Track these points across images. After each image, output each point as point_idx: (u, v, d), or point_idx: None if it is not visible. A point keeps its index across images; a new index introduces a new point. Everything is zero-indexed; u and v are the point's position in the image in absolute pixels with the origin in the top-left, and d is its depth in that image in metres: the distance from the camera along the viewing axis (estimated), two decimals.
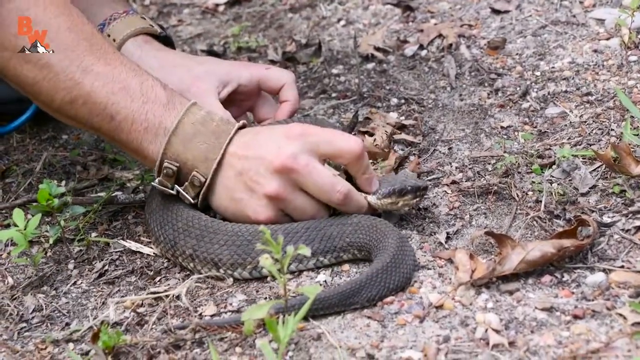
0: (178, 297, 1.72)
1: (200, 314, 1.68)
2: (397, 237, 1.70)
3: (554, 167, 1.95)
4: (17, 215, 1.81)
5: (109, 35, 2.06)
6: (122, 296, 1.77)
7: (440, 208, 1.90)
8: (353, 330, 1.57)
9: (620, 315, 1.52)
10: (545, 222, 1.80)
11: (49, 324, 1.72)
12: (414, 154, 2.12)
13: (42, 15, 1.74)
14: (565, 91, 2.25)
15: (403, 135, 2.19)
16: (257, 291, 1.73)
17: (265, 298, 1.70)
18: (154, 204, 1.88)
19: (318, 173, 1.73)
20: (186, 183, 1.78)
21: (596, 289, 1.60)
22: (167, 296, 1.72)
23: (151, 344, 1.59)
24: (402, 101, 2.36)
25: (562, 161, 1.94)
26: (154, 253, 1.88)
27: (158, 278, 1.81)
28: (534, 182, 1.92)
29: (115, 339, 1.56)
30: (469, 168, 2.03)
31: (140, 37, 2.08)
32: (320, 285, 1.70)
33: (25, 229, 1.78)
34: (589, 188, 1.87)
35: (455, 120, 2.24)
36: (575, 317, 1.54)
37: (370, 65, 2.56)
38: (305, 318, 1.58)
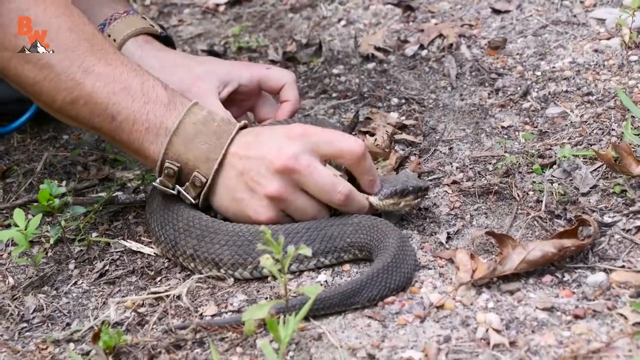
0: (179, 297, 1.72)
1: (201, 314, 1.68)
2: (398, 237, 1.70)
3: (554, 167, 1.95)
4: (18, 215, 1.81)
5: (109, 35, 2.06)
6: (123, 296, 1.77)
7: (441, 208, 1.90)
8: (354, 330, 1.57)
9: (621, 315, 1.52)
10: (546, 222, 1.80)
11: (49, 324, 1.72)
12: (415, 154, 2.12)
13: (43, 16, 1.74)
14: (566, 91, 2.25)
15: (404, 135, 2.19)
16: (258, 291, 1.73)
17: (266, 298, 1.70)
18: (154, 204, 1.88)
19: (319, 173, 1.73)
20: (187, 183, 1.78)
21: (597, 289, 1.60)
22: (167, 296, 1.72)
23: (152, 344, 1.59)
24: (403, 101, 2.36)
25: (563, 161, 1.94)
26: (154, 253, 1.88)
27: (159, 278, 1.81)
28: (534, 182, 1.92)
29: (116, 339, 1.56)
30: (470, 168, 2.03)
31: (140, 37, 2.08)
32: (321, 285, 1.70)
33: (25, 229, 1.78)
34: (590, 188, 1.87)
35: (455, 120, 2.24)
36: (576, 317, 1.54)
37: (370, 65, 2.56)
38: (306, 318, 1.58)
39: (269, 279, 1.75)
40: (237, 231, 1.75)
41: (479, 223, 1.85)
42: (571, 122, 2.12)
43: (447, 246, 1.78)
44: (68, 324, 1.71)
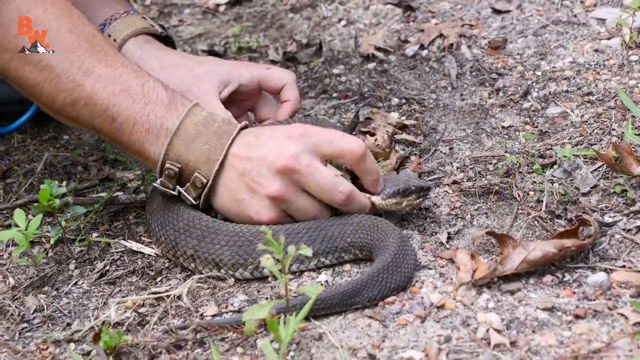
0: (179, 297, 1.72)
1: (202, 314, 1.68)
2: (398, 237, 1.70)
3: (555, 167, 1.95)
4: (18, 215, 1.81)
5: (109, 36, 2.06)
6: (124, 296, 1.77)
7: (442, 208, 1.90)
8: (354, 330, 1.57)
9: (622, 315, 1.52)
10: (547, 222, 1.80)
11: (50, 325, 1.72)
12: (415, 154, 2.12)
13: (43, 17, 1.74)
14: (566, 91, 2.25)
15: (404, 135, 2.19)
16: (259, 291, 1.73)
17: (267, 298, 1.70)
18: (154, 204, 1.88)
19: (320, 173, 1.73)
20: (188, 184, 1.78)
21: (597, 289, 1.60)
22: (168, 296, 1.72)
23: (152, 344, 1.59)
24: (403, 101, 2.36)
25: (563, 161, 1.94)
26: (155, 253, 1.88)
27: (159, 278, 1.81)
28: (535, 182, 1.92)
29: (117, 339, 1.56)
30: (470, 168, 2.03)
31: (141, 37, 2.08)
32: (322, 285, 1.70)
33: (26, 230, 1.78)
34: (590, 188, 1.87)
35: (456, 120, 2.24)
36: (577, 317, 1.54)
37: (371, 65, 2.56)
38: (307, 318, 1.58)
39: (270, 279, 1.75)
40: (238, 231, 1.75)
41: (479, 223, 1.85)
42: (572, 122, 2.12)
43: (447, 246, 1.78)
44: (69, 324, 1.72)
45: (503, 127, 2.17)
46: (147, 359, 1.56)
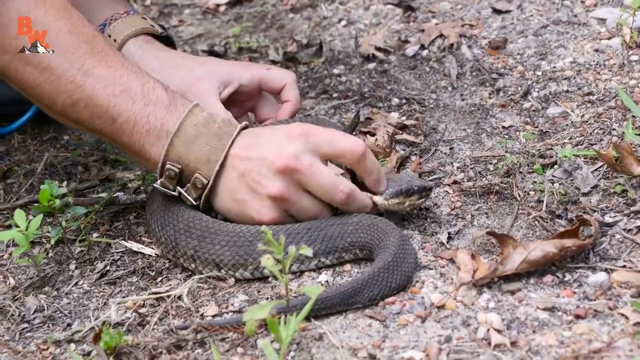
0: (180, 298, 1.72)
1: (202, 315, 1.68)
2: (398, 236, 1.70)
3: (555, 167, 1.95)
4: (19, 215, 1.81)
5: (109, 36, 2.06)
6: (124, 296, 1.77)
7: (442, 208, 1.90)
8: (355, 330, 1.57)
9: (622, 315, 1.52)
10: (547, 222, 1.79)
11: (50, 325, 1.72)
12: (416, 154, 2.12)
13: (43, 18, 1.74)
14: (567, 91, 2.25)
15: (404, 135, 2.19)
16: (259, 291, 1.73)
17: (267, 298, 1.70)
18: (155, 204, 1.88)
19: (320, 173, 1.73)
20: (188, 185, 1.78)
21: (598, 289, 1.60)
22: (168, 296, 1.72)
23: (153, 344, 1.59)
24: (404, 101, 2.36)
25: (564, 161, 1.94)
26: (155, 254, 1.88)
27: (159, 278, 1.81)
28: (535, 182, 1.92)
29: (117, 339, 1.56)
30: (471, 168, 2.03)
31: (141, 37, 2.08)
32: (322, 285, 1.70)
33: (26, 230, 1.79)
34: (591, 188, 1.87)
35: (456, 120, 2.24)
36: (577, 317, 1.54)
37: (371, 65, 2.56)
38: (307, 318, 1.57)
39: (270, 279, 1.75)
40: (238, 232, 1.75)
41: (479, 223, 1.85)
42: (572, 122, 2.12)
43: (448, 246, 1.78)
44: (69, 325, 1.72)
45: (503, 127, 2.17)
46: (148, 359, 1.56)
